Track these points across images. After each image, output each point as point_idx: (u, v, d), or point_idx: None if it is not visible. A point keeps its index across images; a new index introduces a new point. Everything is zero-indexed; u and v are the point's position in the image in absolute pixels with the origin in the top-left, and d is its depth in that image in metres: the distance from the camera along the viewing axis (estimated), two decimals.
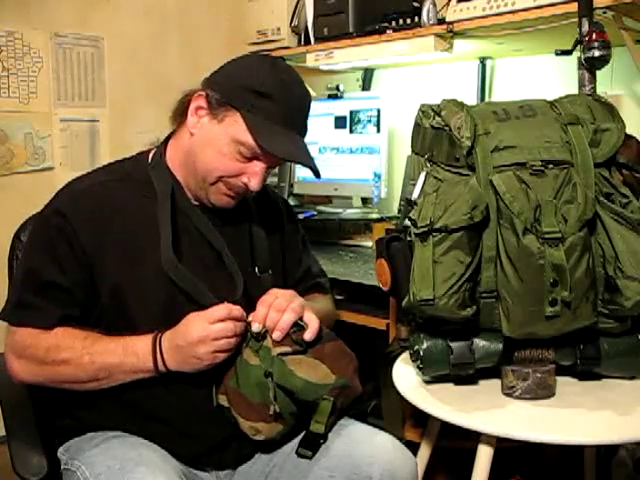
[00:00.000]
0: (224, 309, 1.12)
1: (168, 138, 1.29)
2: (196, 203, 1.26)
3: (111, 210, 1.19)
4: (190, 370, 1.12)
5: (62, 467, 1.19)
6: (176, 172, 1.25)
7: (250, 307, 1.19)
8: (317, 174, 1.25)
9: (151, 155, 1.27)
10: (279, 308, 1.16)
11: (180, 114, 1.24)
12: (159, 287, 1.18)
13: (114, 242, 1.17)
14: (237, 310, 1.14)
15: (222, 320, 1.11)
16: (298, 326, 1.16)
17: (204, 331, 1.09)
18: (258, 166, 1.19)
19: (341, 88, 2.40)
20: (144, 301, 1.17)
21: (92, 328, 1.17)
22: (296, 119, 1.20)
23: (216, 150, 1.18)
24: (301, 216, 2.21)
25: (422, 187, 1.18)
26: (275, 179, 2.50)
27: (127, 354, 1.13)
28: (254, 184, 1.19)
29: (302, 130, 1.23)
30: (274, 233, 1.36)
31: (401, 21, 1.97)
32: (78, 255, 1.16)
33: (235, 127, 1.16)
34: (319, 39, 2.23)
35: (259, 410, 1.13)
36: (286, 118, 1.17)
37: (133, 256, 1.18)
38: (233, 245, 1.26)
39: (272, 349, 1.13)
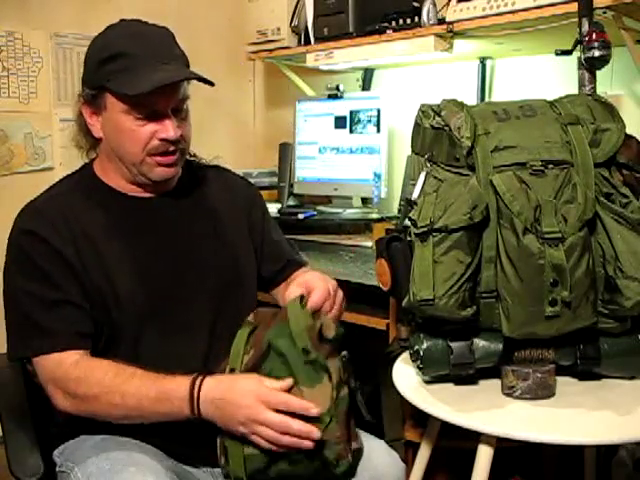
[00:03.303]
0: (286, 401, 1.05)
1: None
2: (150, 195, 1.27)
3: (73, 218, 1.20)
4: (223, 425, 1.09)
5: (57, 469, 1.20)
6: (111, 179, 1.26)
7: (223, 289, 1.25)
8: (209, 82, 1.21)
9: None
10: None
11: (85, 133, 1.26)
12: (134, 292, 1.19)
13: (83, 248, 1.18)
14: (300, 407, 1.04)
15: (280, 410, 1.04)
16: None
17: (257, 412, 1.04)
18: (160, 116, 1.19)
19: (341, 88, 2.40)
20: (122, 305, 1.18)
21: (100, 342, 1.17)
22: (155, 51, 1.18)
23: (122, 132, 1.19)
24: (301, 216, 2.22)
25: (422, 187, 1.18)
26: (275, 179, 2.50)
27: (160, 399, 1.09)
28: (170, 133, 1.18)
29: (170, 57, 1.20)
30: (238, 212, 1.38)
31: (401, 21, 1.97)
32: (61, 264, 1.16)
33: (115, 102, 1.17)
34: (319, 39, 2.23)
35: None
36: (143, 58, 1.16)
37: (104, 262, 1.19)
38: (197, 230, 1.29)
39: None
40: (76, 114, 1.26)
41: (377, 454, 1.18)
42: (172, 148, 1.21)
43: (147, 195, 1.27)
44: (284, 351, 1.08)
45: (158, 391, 1.09)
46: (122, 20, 1.25)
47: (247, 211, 1.40)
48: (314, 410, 1.03)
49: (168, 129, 1.18)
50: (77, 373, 1.12)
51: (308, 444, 1.04)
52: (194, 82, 1.23)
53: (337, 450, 1.07)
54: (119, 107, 1.17)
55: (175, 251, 1.25)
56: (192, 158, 1.37)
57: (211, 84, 1.21)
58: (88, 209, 1.22)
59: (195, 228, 1.29)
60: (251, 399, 1.05)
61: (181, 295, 1.23)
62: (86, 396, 1.11)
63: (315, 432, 1.03)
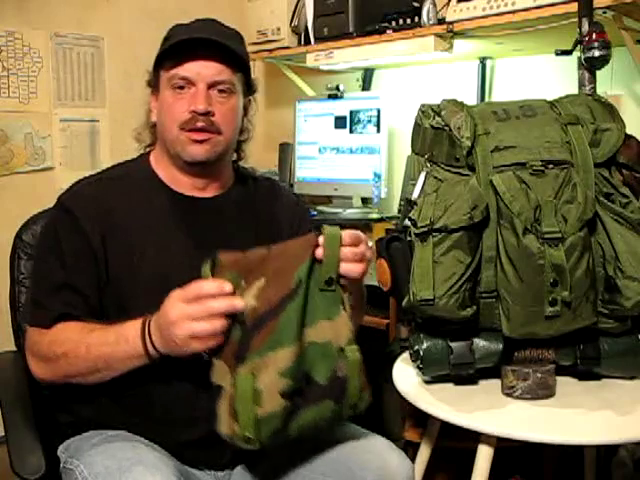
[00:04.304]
0: (198, 287, 1.00)
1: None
2: (199, 196, 1.27)
3: (111, 205, 1.21)
4: (177, 354, 1.05)
5: (61, 465, 1.19)
6: (162, 169, 1.27)
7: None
8: (243, 60, 1.24)
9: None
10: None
11: (151, 126, 1.30)
12: (155, 286, 1.18)
13: (115, 236, 1.19)
14: (213, 286, 1.00)
15: (200, 298, 1.00)
16: None
17: (179, 311, 1.01)
18: (194, 89, 1.21)
19: (341, 88, 2.40)
20: (139, 301, 1.17)
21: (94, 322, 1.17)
22: (198, 28, 1.23)
23: (163, 108, 1.23)
24: None
25: (422, 187, 1.18)
26: (275, 179, 2.50)
27: (119, 341, 1.10)
28: (198, 105, 1.19)
29: (212, 33, 1.21)
30: (282, 225, 1.36)
31: (401, 21, 1.97)
32: (83, 248, 1.18)
33: (162, 75, 1.23)
34: (319, 39, 2.23)
35: None
36: (185, 32, 1.22)
37: (132, 256, 1.19)
38: (238, 238, 1.27)
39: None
40: (147, 109, 1.30)
41: (387, 453, 1.17)
42: (200, 123, 1.20)
43: (196, 195, 1.27)
44: (311, 285, 1.04)
45: (117, 334, 1.11)
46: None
47: (294, 227, 1.37)
48: (227, 287, 1.00)
49: (197, 100, 1.20)
50: (50, 337, 1.16)
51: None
52: None
53: (361, 382, 1.05)
54: (164, 80, 1.22)
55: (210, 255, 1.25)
56: (243, 164, 1.38)
57: (247, 67, 1.25)
58: (131, 200, 1.23)
59: (236, 235, 1.28)
60: (171, 302, 1.02)
61: None
62: (56, 355, 1.14)
63: (237, 301, 1.00)
